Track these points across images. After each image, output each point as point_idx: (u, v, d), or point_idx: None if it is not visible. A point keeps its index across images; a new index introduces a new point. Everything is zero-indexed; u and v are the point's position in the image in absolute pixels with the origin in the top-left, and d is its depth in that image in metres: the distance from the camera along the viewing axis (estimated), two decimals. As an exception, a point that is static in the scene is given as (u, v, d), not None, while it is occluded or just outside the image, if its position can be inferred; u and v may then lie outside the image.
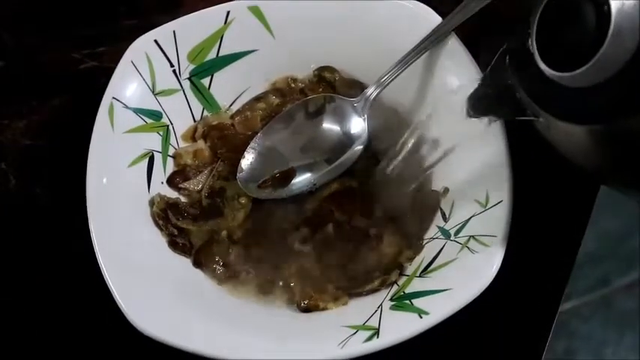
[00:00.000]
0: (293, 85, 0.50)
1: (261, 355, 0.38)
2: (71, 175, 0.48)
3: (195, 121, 0.49)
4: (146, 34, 0.47)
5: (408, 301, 0.40)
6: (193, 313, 0.41)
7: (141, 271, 0.41)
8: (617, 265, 0.44)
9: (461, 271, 0.40)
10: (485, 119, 0.39)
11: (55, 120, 0.53)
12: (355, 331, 0.39)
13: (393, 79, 0.46)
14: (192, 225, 0.45)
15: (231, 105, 0.50)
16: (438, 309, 0.38)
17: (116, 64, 0.53)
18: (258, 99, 0.50)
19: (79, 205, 0.44)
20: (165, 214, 0.45)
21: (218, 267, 0.44)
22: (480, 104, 0.38)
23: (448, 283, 0.39)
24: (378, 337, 0.38)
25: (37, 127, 0.53)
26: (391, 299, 0.41)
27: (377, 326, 0.39)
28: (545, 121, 0.32)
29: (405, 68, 0.46)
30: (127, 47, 0.53)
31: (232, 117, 0.49)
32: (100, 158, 0.43)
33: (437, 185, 0.46)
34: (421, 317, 0.38)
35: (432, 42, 0.44)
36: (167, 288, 0.42)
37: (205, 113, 0.49)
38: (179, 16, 0.53)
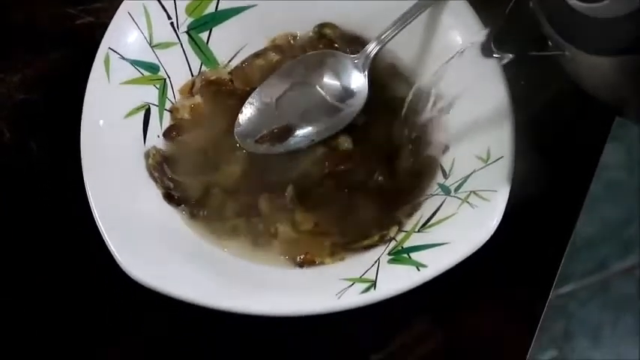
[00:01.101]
0: (293, 42, 0.49)
1: (256, 305, 0.37)
2: (66, 128, 0.47)
3: (192, 75, 0.48)
4: (141, -16, 0.46)
5: (406, 255, 0.39)
6: (189, 266, 0.40)
7: (135, 222, 0.41)
8: (615, 249, 0.44)
9: (460, 225, 0.39)
10: (496, 63, 0.38)
11: (50, 74, 0.52)
12: (352, 283, 0.38)
13: (394, 36, 0.45)
14: (188, 178, 0.45)
15: (229, 61, 0.49)
16: (436, 262, 0.38)
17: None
18: (257, 55, 0.49)
19: (74, 158, 0.43)
20: (160, 167, 0.44)
21: (213, 220, 0.43)
22: (504, 40, 0.37)
23: (447, 237, 0.39)
24: (374, 288, 0.37)
25: (31, 81, 0.52)
26: (389, 254, 0.40)
27: (374, 279, 0.38)
28: (570, 54, 0.32)
29: (407, 25, 0.45)
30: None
31: (230, 73, 0.49)
32: (95, 108, 0.43)
33: (437, 143, 0.45)
34: (419, 270, 0.38)
35: None
36: (161, 239, 0.41)
37: (203, 68, 0.48)
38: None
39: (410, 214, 0.43)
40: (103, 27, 0.51)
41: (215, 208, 0.44)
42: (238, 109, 0.47)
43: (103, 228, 0.39)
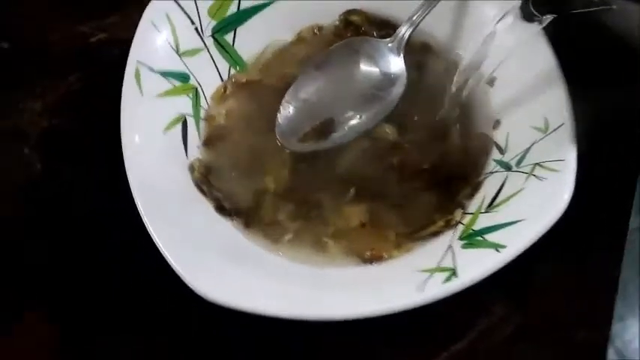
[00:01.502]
0: (319, 33, 0.48)
1: (336, 310, 0.36)
2: (101, 150, 0.46)
3: (222, 79, 0.46)
4: (162, -10, 0.44)
5: (480, 238, 0.38)
6: (254, 277, 0.39)
7: (194, 239, 0.39)
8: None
9: (531, 200, 0.38)
10: (537, 26, 0.37)
11: (72, 97, 0.50)
12: (430, 274, 0.37)
13: (425, 16, 0.44)
14: (236, 186, 0.43)
15: (257, 60, 0.47)
16: (514, 241, 0.36)
17: (128, 34, 0.50)
18: (285, 50, 0.47)
19: (115, 181, 0.42)
20: (206, 179, 0.43)
21: (269, 227, 0.42)
22: (543, 1, 0.36)
23: (519, 214, 0.38)
24: (456, 276, 0.36)
25: (54, 106, 0.50)
26: (460, 238, 0.39)
27: (453, 266, 0.37)
28: (618, 8, 0.30)
29: (437, 3, 0.44)
30: (137, 15, 0.51)
31: (261, 72, 0.47)
32: (133, 125, 0.41)
33: (486, 118, 0.44)
34: (498, 251, 0.36)
35: None
36: (221, 253, 0.40)
37: (232, 71, 0.47)
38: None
39: (471, 195, 0.42)
40: (119, 42, 0.50)
41: (269, 214, 0.43)
42: (275, 109, 0.45)
43: (166, 252, 0.37)
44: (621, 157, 0.44)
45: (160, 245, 0.37)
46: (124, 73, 0.44)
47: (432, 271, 0.37)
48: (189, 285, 0.36)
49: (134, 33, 0.50)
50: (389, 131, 0.44)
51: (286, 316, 0.36)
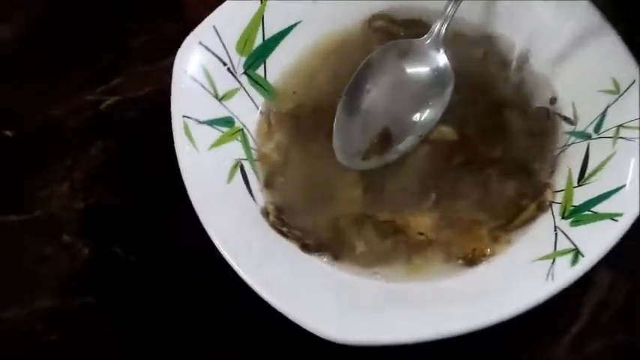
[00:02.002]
0: (348, 45, 0.46)
1: (469, 322, 0.34)
2: (149, 217, 0.43)
3: (263, 114, 0.44)
4: (187, 38, 0.42)
5: (588, 212, 0.37)
6: (370, 307, 0.37)
7: (294, 282, 0.37)
8: None
9: (626, 162, 0.37)
10: None
11: (99, 169, 0.47)
12: (552, 260, 0.36)
13: (457, 8, 0.43)
14: (312, 220, 0.41)
15: (292, 85, 0.45)
16: (628, 207, 0.36)
17: (139, 91, 0.48)
18: (317, 70, 0.46)
19: (176, 249, 0.42)
20: (282, 220, 0.40)
21: (359, 253, 0.40)
22: None
23: (620, 178, 0.37)
24: (583, 255, 0.35)
25: (83, 184, 0.46)
26: (564, 217, 0.38)
27: (573, 247, 0.36)
28: None
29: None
30: (144, 69, 0.49)
31: (298, 97, 0.45)
32: (198, 182, 0.38)
33: (543, 93, 0.43)
34: (616, 220, 0.35)
35: None
36: (325, 290, 0.38)
37: (270, 104, 0.44)
38: (185, 20, 0.49)
39: (552, 172, 0.41)
40: (131, 102, 0.48)
41: (354, 241, 0.41)
42: (325, 131, 0.43)
43: (275, 303, 0.35)
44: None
45: (274, 303, 0.35)
46: (145, 132, 0.45)
47: (551, 256, 0.36)
48: (322, 335, 0.33)
49: (144, 90, 0.49)
50: (446, 132, 0.43)
51: (419, 339, 0.34)
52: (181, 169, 0.38)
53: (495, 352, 0.39)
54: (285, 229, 0.40)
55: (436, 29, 0.43)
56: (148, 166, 0.46)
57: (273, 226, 0.40)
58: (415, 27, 0.46)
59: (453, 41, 0.45)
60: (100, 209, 0.46)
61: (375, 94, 0.44)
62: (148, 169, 0.45)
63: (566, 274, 0.34)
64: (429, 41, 0.44)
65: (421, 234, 0.40)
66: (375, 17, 0.46)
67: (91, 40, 0.51)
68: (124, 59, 0.50)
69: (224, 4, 0.43)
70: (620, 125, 0.38)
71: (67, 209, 0.46)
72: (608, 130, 0.39)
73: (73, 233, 0.45)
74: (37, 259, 0.44)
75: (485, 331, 0.34)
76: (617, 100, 0.39)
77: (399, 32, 0.46)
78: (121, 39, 0.51)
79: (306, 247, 0.40)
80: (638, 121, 0.38)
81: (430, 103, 0.43)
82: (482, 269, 0.39)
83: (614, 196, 0.36)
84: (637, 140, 0.37)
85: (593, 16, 0.41)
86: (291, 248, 0.40)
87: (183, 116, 0.40)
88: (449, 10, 0.43)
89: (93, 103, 0.49)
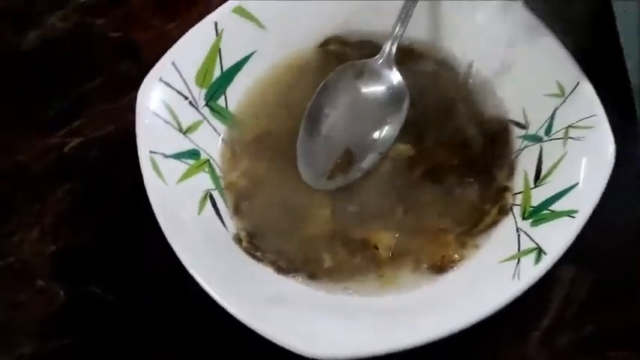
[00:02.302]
0: (303, 70, 0.47)
1: (439, 328, 0.36)
2: (125, 255, 0.44)
3: (226, 143, 0.45)
4: (147, 76, 0.43)
5: (546, 211, 0.39)
6: (342, 324, 0.38)
7: (274, 306, 0.38)
8: None
9: (578, 161, 0.39)
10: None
11: (68, 212, 0.47)
12: (517, 260, 0.37)
13: (406, 27, 0.45)
14: (284, 243, 0.42)
15: (253, 113, 0.46)
16: (583, 203, 0.37)
17: (102, 131, 0.49)
18: (276, 95, 0.47)
19: (152, 284, 0.42)
20: (254, 245, 0.41)
21: (331, 270, 0.41)
22: None
23: (573, 177, 0.39)
24: (545, 253, 0.37)
25: (53, 228, 0.47)
26: (525, 218, 0.40)
27: (535, 245, 0.37)
28: None
29: (411, 14, 0.45)
30: (105, 108, 0.49)
31: (260, 123, 0.46)
32: (170, 216, 0.39)
33: (492, 102, 0.45)
34: (573, 217, 0.37)
35: None
36: (303, 308, 0.39)
37: (234, 132, 0.46)
38: (142, 59, 0.50)
39: (510, 175, 0.43)
40: (97, 141, 0.49)
41: (326, 260, 0.42)
42: (289, 155, 0.44)
43: (257, 328, 0.35)
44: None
45: (251, 324, 0.36)
46: (110, 171, 0.46)
47: (516, 257, 0.38)
48: (305, 354, 0.34)
49: (107, 129, 0.49)
50: (404, 149, 0.45)
51: (393, 350, 0.35)
52: (152, 204, 0.39)
53: (466, 353, 0.40)
54: (258, 254, 0.41)
55: (387, 49, 0.45)
56: (115, 204, 0.46)
57: (247, 251, 0.41)
58: (367, 48, 0.47)
59: (404, 58, 0.47)
60: (71, 251, 0.46)
61: (335, 116, 0.45)
62: (116, 207, 0.46)
63: (531, 272, 0.36)
64: (381, 61, 0.45)
65: (391, 247, 0.42)
66: (328, 41, 0.48)
67: (50, 86, 0.52)
68: (84, 101, 0.51)
69: (181, 40, 0.44)
70: (569, 126, 0.40)
71: (39, 254, 0.46)
72: (557, 131, 0.41)
73: (46, 277, 0.45)
74: (12, 305, 0.44)
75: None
76: (563, 102, 0.41)
77: (352, 54, 0.47)
78: (80, 81, 0.51)
79: (280, 270, 0.41)
80: (585, 120, 0.40)
81: (388, 120, 0.45)
82: (452, 276, 0.40)
83: (569, 194, 0.38)
84: (585, 140, 0.39)
85: (534, 24, 0.43)
86: (265, 271, 0.40)
87: (150, 152, 0.40)
88: (397, 29, 0.45)
89: (57, 146, 0.49)
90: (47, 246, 0.46)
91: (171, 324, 0.42)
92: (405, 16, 0.45)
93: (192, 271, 0.37)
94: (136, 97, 0.42)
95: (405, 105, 0.45)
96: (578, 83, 0.41)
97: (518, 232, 0.39)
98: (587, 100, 0.40)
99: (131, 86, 0.43)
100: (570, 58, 0.41)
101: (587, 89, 0.40)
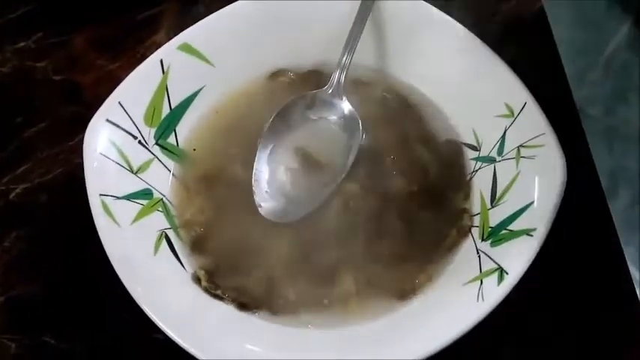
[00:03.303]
0: (255, 103, 0.47)
1: (413, 353, 0.35)
2: (75, 302, 0.43)
3: (179, 181, 0.44)
4: (93, 117, 0.42)
5: (504, 231, 0.39)
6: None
7: (231, 345, 0.37)
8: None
9: (531, 179, 0.40)
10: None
11: (16, 261, 0.45)
12: (479, 281, 0.37)
13: (353, 56, 0.45)
14: (245, 279, 0.41)
15: (205, 149, 0.46)
16: (540, 221, 0.38)
17: (48, 175, 0.48)
18: (227, 131, 0.46)
19: (109, 330, 0.41)
20: (214, 284, 0.40)
21: (297, 306, 0.41)
22: None
23: (529, 195, 0.39)
24: (507, 273, 0.37)
25: (2, 279, 0.45)
26: (484, 239, 0.40)
27: (497, 266, 0.38)
28: None
29: (357, 43, 0.45)
30: (50, 152, 0.48)
31: (214, 159, 0.45)
32: (124, 258, 0.38)
33: (442, 126, 0.46)
34: (531, 235, 0.37)
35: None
36: (274, 349, 0.38)
37: (186, 169, 0.45)
38: (87, 100, 0.49)
39: (467, 197, 0.43)
40: (42, 188, 0.47)
41: (288, 294, 0.41)
42: (245, 189, 0.44)
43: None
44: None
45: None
46: (59, 215, 0.44)
47: (478, 278, 0.38)
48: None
49: (53, 173, 0.48)
50: (352, 189, 0.44)
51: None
52: (105, 247, 0.38)
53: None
54: (218, 292, 0.40)
55: (335, 78, 0.45)
56: (66, 249, 0.45)
57: (206, 290, 0.40)
58: (316, 78, 0.47)
59: (353, 87, 0.47)
60: (22, 300, 0.44)
61: (288, 148, 0.45)
62: (67, 252, 0.44)
63: (495, 293, 0.36)
64: (330, 90, 0.45)
65: (352, 277, 0.41)
66: (277, 73, 0.47)
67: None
68: (28, 147, 0.49)
69: (127, 79, 0.43)
70: (520, 145, 0.41)
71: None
72: (509, 151, 0.41)
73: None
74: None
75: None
76: (513, 122, 0.42)
77: (302, 85, 0.47)
78: (21, 128, 0.50)
79: (243, 306, 0.40)
80: (535, 139, 0.40)
81: (342, 150, 0.44)
82: (416, 301, 0.40)
83: (525, 213, 0.39)
84: (537, 158, 0.40)
85: (480, 47, 0.44)
86: (226, 309, 0.40)
87: (101, 195, 0.39)
88: (344, 59, 0.45)
89: (1, 194, 0.48)
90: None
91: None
92: (351, 46, 0.45)
93: (145, 308, 0.36)
94: (82, 139, 0.41)
95: (358, 134, 0.44)
96: (525, 103, 0.41)
97: (478, 253, 0.39)
98: (536, 119, 0.41)
99: (77, 129, 0.43)
100: (516, 79, 0.42)
101: (535, 109, 0.41)
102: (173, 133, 0.45)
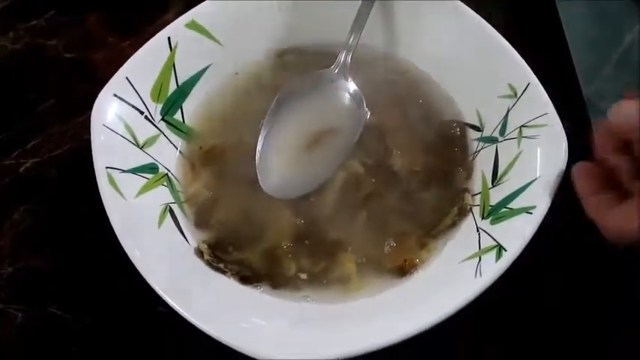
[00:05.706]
0: (261, 82, 0.47)
1: (405, 328, 0.36)
2: (81, 274, 0.43)
3: (185, 156, 0.45)
4: (101, 92, 0.42)
5: (505, 209, 0.39)
6: (305, 331, 0.38)
7: (233, 316, 0.38)
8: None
9: (533, 158, 0.40)
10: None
11: (25, 234, 0.46)
12: (478, 258, 0.38)
13: (360, 36, 0.45)
14: (247, 253, 0.42)
15: (211, 126, 0.46)
16: (540, 199, 0.38)
17: (57, 150, 0.48)
18: (234, 108, 0.47)
19: (114, 302, 0.41)
20: (217, 257, 0.41)
21: (297, 279, 0.41)
22: None
23: (530, 174, 0.39)
24: (505, 250, 0.37)
25: (9, 251, 0.46)
26: (484, 218, 0.40)
27: (495, 243, 0.38)
28: None
29: (364, 24, 0.45)
30: (60, 128, 0.49)
31: (219, 136, 0.46)
32: (129, 230, 0.38)
33: (446, 106, 0.46)
34: (531, 213, 0.38)
35: None
36: (264, 318, 0.39)
37: (192, 145, 0.45)
38: (98, 78, 0.50)
39: (469, 176, 0.43)
40: (52, 161, 0.48)
41: (289, 269, 0.41)
42: (249, 166, 0.44)
43: (223, 338, 0.35)
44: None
45: (221, 337, 0.35)
46: (67, 189, 0.45)
47: (477, 255, 0.38)
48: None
49: (63, 148, 0.49)
50: (355, 167, 0.44)
51: (357, 353, 0.35)
52: (111, 220, 0.38)
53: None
54: (221, 265, 0.40)
55: (342, 58, 0.45)
56: (74, 222, 0.45)
57: (209, 264, 0.40)
58: (323, 58, 0.47)
59: (358, 67, 0.47)
60: (30, 272, 0.45)
61: (293, 126, 0.45)
62: (75, 225, 0.45)
63: (493, 269, 0.36)
64: (336, 70, 0.46)
65: (354, 252, 0.42)
66: (284, 52, 0.48)
67: (3, 108, 0.51)
68: (38, 123, 0.50)
69: (134, 55, 0.43)
70: (522, 125, 0.41)
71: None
72: (512, 131, 0.42)
73: (3, 300, 0.44)
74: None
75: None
76: (515, 103, 0.42)
77: (309, 64, 0.47)
78: (32, 105, 0.51)
79: (244, 280, 0.41)
80: (537, 119, 0.40)
81: (346, 129, 0.45)
82: (415, 277, 0.40)
83: (526, 192, 0.39)
84: (539, 137, 0.40)
85: (484, 28, 0.44)
86: (228, 283, 0.40)
87: (107, 167, 0.40)
88: (351, 39, 0.45)
89: (11, 168, 0.49)
90: (4, 268, 0.45)
91: (133, 342, 0.42)
92: (358, 26, 0.45)
93: (149, 279, 0.37)
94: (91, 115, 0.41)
95: (362, 113, 0.45)
96: (528, 84, 0.41)
97: (478, 231, 0.40)
98: (539, 100, 0.41)
99: (87, 105, 0.43)
100: (520, 60, 0.42)
101: (538, 89, 0.41)
102: (179, 109, 0.45)
